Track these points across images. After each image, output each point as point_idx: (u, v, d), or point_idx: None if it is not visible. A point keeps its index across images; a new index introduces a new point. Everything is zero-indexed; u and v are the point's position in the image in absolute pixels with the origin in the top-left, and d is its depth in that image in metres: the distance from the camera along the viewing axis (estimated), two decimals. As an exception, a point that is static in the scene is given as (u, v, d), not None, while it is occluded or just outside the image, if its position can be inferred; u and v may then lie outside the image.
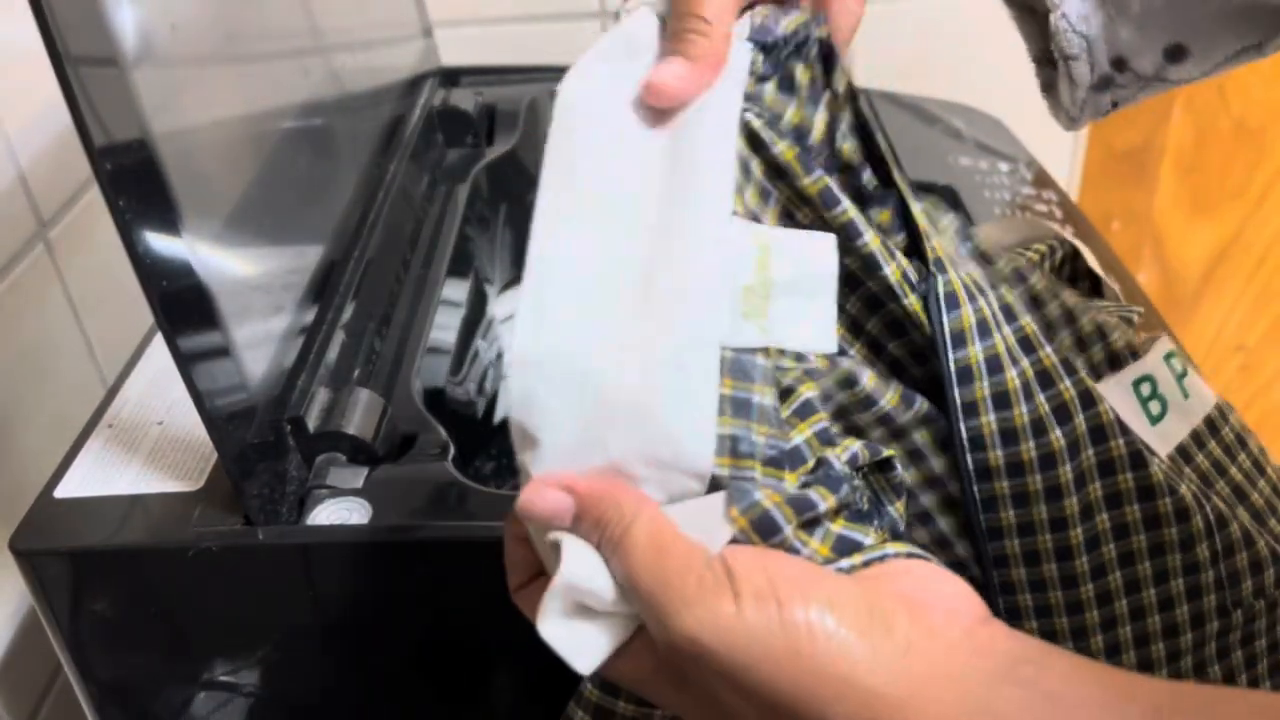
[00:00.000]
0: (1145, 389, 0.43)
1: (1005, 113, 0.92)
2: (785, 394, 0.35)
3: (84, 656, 0.52)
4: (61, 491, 0.51)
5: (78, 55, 0.41)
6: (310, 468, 0.52)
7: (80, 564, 0.50)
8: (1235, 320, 1.35)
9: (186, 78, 0.52)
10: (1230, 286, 1.33)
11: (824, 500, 0.33)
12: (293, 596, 0.51)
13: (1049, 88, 0.44)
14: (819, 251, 0.37)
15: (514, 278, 0.86)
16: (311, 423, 0.51)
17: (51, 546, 0.50)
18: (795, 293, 0.36)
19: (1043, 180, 0.82)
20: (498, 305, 0.82)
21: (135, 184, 0.43)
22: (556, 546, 0.33)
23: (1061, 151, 1.22)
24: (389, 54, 0.83)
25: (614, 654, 0.33)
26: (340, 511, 0.49)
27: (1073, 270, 0.49)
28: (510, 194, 0.85)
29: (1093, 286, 0.49)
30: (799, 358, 0.36)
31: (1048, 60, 0.43)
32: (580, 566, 0.32)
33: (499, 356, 0.81)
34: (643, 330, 0.33)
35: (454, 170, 0.81)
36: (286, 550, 0.49)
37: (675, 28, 0.37)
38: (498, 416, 0.80)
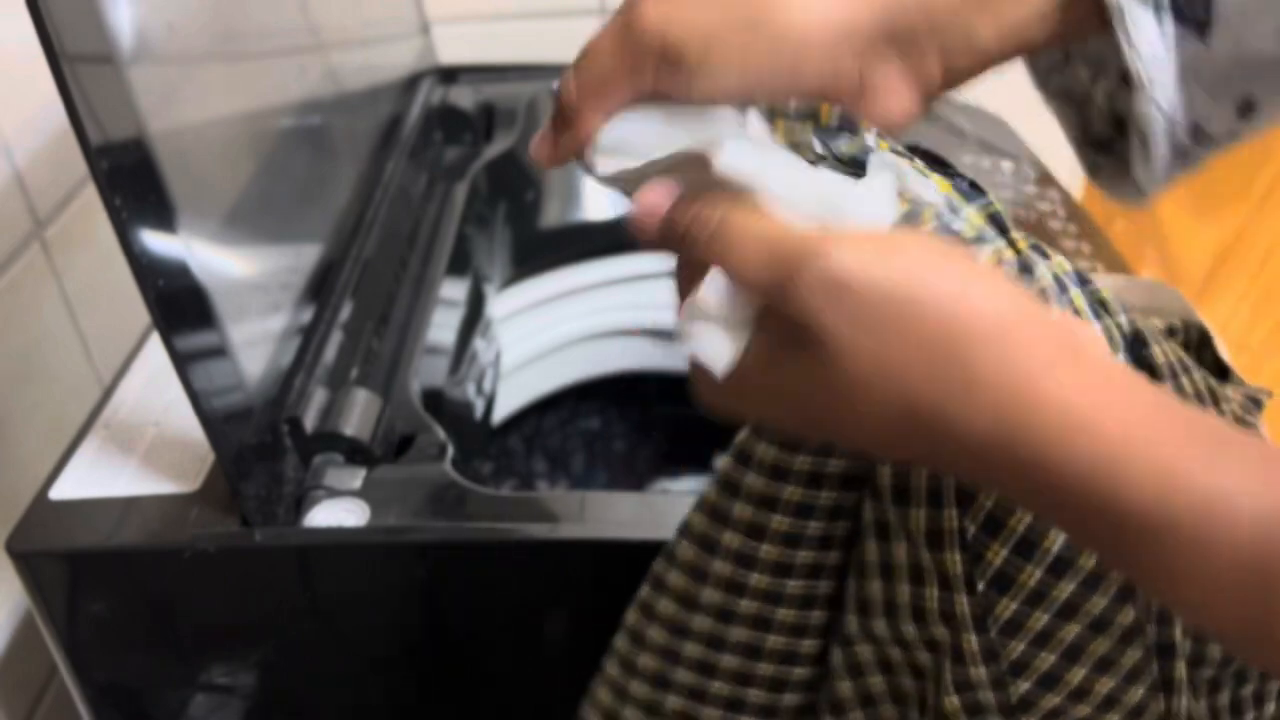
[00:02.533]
0: None
1: (1008, 111, 0.91)
2: None
3: (80, 658, 0.52)
4: (57, 493, 0.51)
5: (74, 54, 0.40)
6: (307, 468, 0.51)
7: (76, 565, 0.50)
8: (1238, 321, 1.35)
9: (183, 76, 0.51)
10: (1233, 287, 1.33)
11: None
12: (290, 598, 0.51)
13: (1095, 170, 0.44)
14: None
15: (513, 277, 0.85)
16: (309, 423, 0.51)
17: (48, 548, 0.49)
18: None
19: (1046, 179, 0.82)
20: (496, 304, 0.82)
21: (132, 183, 0.43)
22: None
23: (1065, 150, 1.21)
24: (387, 52, 0.83)
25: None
26: (338, 512, 0.49)
27: (1198, 357, 0.48)
28: (509, 193, 0.84)
29: (1219, 374, 0.49)
30: None
31: (1089, 143, 0.43)
32: (711, 286, 0.33)
33: (498, 356, 0.80)
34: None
35: (452, 169, 0.81)
36: (284, 551, 0.49)
37: (562, 84, 0.38)
38: (496, 418, 0.80)
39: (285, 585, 0.50)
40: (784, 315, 0.31)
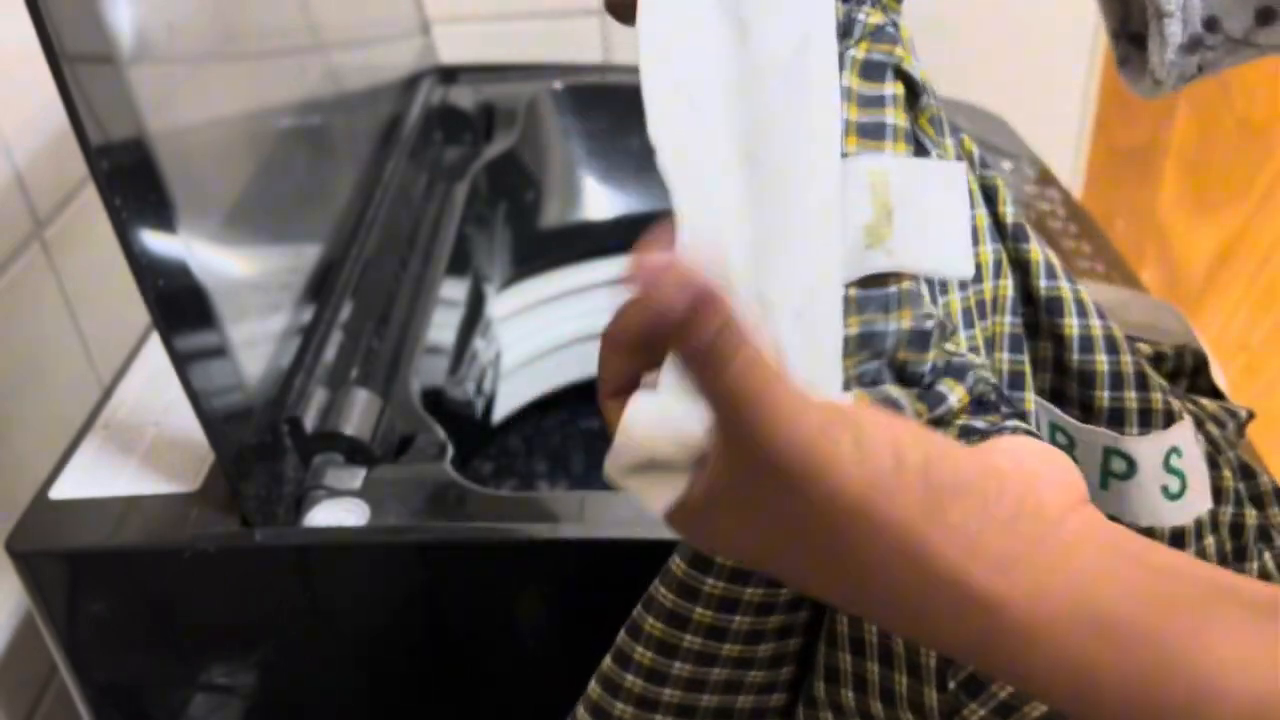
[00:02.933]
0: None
1: (1008, 111, 0.91)
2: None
3: (80, 658, 0.52)
4: (57, 493, 0.51)
5: (74, 54, 0.40)
6: (308, 468, 0.51)
7: (76, 565, 0.50)
8: (1239, 320, 1.35)
9: (183, 76, 0.51)
10: (1234, 286, 1.33)
11: (952, 392, 0.33)
12: (290, 598, 0.51)
13: (1125, 61, 0.44)
14: (946, 174, 0.36)
15: (513, 276, 0.85)
16: (309, 423, 0.51)
17: (47, 548, 0.49)
18: (920, 211, 0.35)
19: (1046, 178, 0.82)
20: (496, 304, 0.82)
21: (132, 183, 0.43)
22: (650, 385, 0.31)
23: (1065, 149, 1.21)
24: (387, 52, 0.83)
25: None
26: (338, 512, 0.49)
27: (1192, 382, 0.48)
28: (509, 193, 0.84)
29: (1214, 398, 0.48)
30: (939, 290, 0.36)
31: (1125, 34, 0.43)
32: (647, 415, 0.31)
33: (498, 356, 0.81)
34: (764, 278, 0.33)
35: (452, 169, 0.81)
36: (284, 551, 0.49)
37: None
38: (496, 417, 0.80)
39: (285, 585, 0.50)
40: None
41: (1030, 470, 0.30)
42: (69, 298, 0.72)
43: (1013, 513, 0.28)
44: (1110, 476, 0.39)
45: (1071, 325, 0.40)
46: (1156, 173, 1.21)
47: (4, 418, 0.64)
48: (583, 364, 0.90)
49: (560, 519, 0.50)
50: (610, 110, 0.87)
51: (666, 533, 0.42)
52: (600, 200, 0.88)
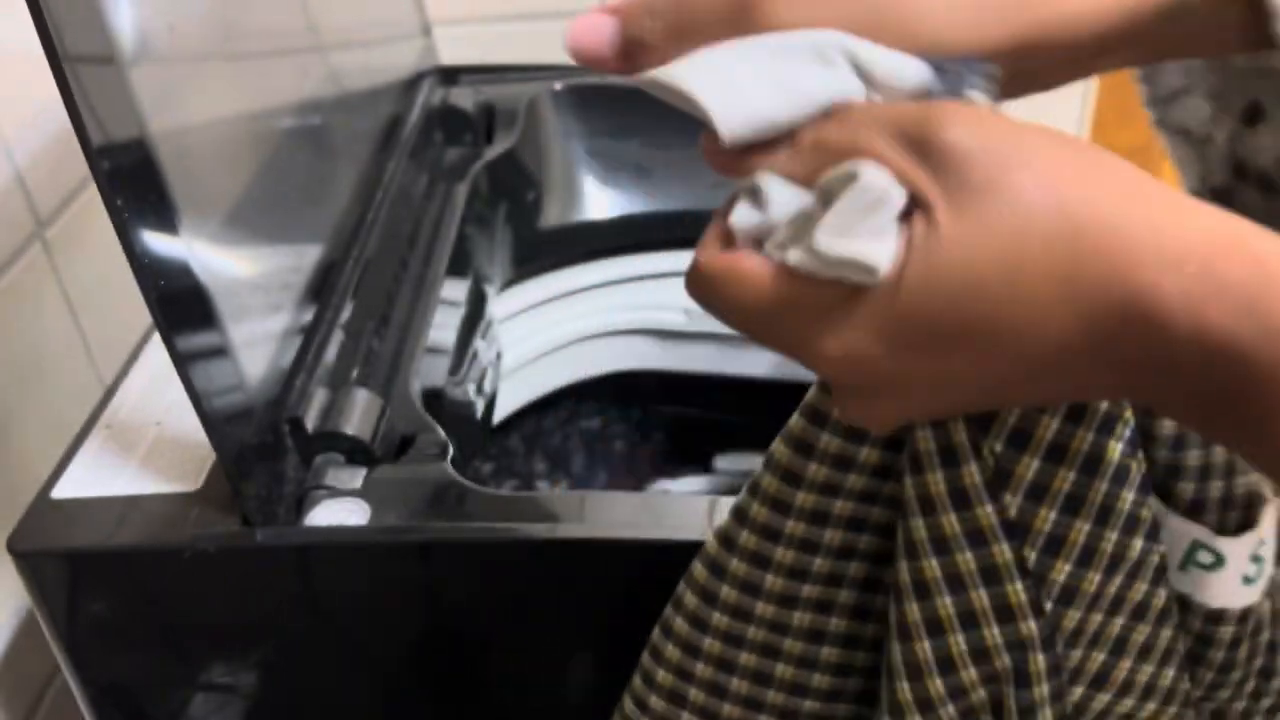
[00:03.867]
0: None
1: (1007, 110, 0.91)
2: None
3: (82, 657, 0.52)
4: (59, 492, 0.51)
5: (75, 54, 0.40)
6: (308, 468, 0.51)
7: (78, 565, 0.50)
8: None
9: (184, 76, 0.52)
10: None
11: None
12: (291, 598, 0.51)
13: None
14: None
15: (513, 277, 0.86)
16: (310, 423, 0.51)
17: (49, 547, 0.49)
18: None
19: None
20: (497, 305, 0.82)
21: (133, 183, 0.43)
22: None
23: (1063, 151, 1.21)
24: (387, 53, 0.83)
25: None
26: (338, 512, 0.49)
27: None
28: (509, 193, 0.85)
29: None
30: None
31: (1208, 192, 0.41)
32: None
33: (498, 357, 0.81)
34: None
35: (453, 169, 0.81)
36: (284, 551, 0.49)
37: None
38: (497, 418, 0.80)
39: (286, 585, 0.51)
40: (933, 170, 0.27)
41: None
42: (70, 298, 0.72)
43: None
44: (1193, 565, 0.39)
45: (1164, 423, 0.38)
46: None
47: (5, 417, 0.64)
48: (583, 364, 0.90)
49: (560, 519, 0.50)
50: (610, 111, 0.87)
51: (667, 532, 0.42)
52: (600, 201, 0.88)
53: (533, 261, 0.86)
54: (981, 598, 0.36)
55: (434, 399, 0.61)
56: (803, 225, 0.29)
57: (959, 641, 0.37)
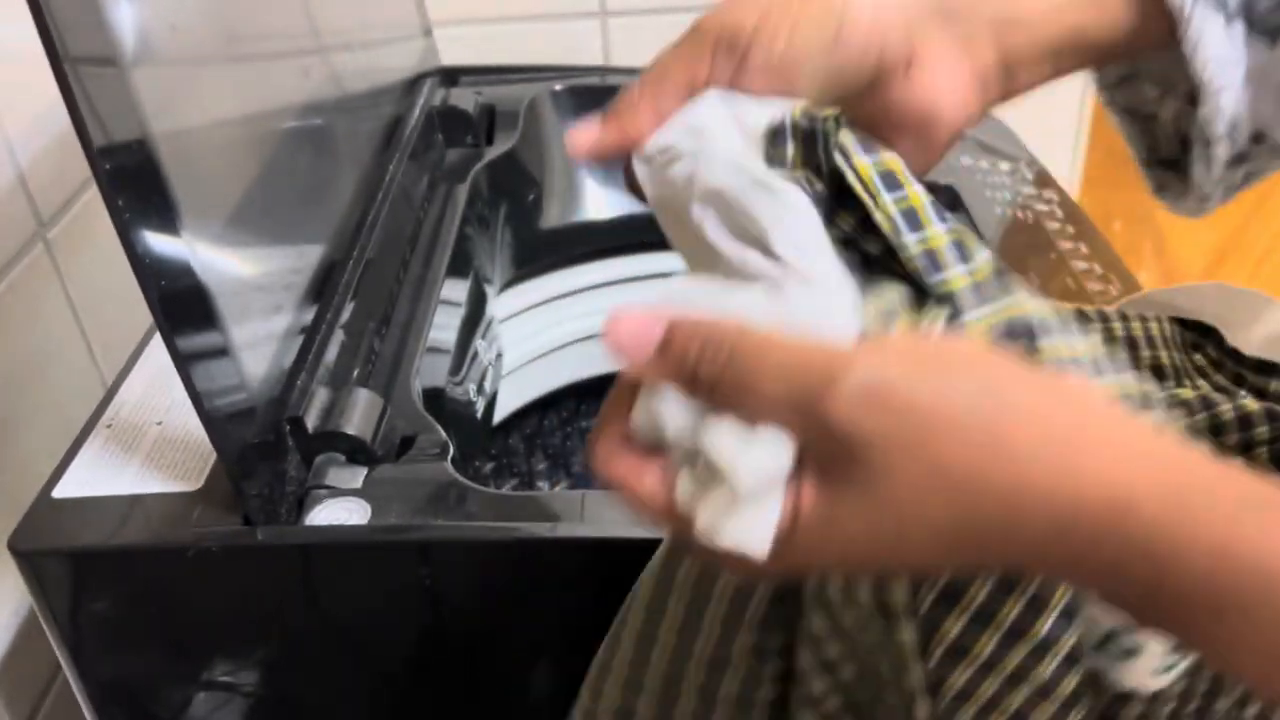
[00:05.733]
0: None
1: (1006, 112, 0.91)
2: None
3: (83, 656, 0.52)
4: (61, 492, 0.51)
5: (77, 55, 0.41)
6: (309, 468, 0.51)
7: (79, 564, 0.50)
8: (1237, 320, 1.35)
9: (186, 78, 0.52)
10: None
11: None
12: (292, 596, 0.51)
13: (1162, 188, 0.44)
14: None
15: (514, 277, 0.86)
16: (311, 423, 0.51)
17: (51, 547, 0.50)
18: None
19: (1044, 180, 0.82)
20: (497, 305, 0.82)
21: (134, 184, 0.43)
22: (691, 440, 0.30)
23: (1063, 151, 1.21)
24: (389, 54, 0.83)
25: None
26: (339, 512, 0.49)
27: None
28: (510, 194, 0.85)
29: None
30: None
31: (1157, 163, 0.43)
32: (732, 443, 0.29)
33: (499, 356, 0.81)
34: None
35: (454, 170, 0.81)
36: (285, 550, 0.49)
37: (622, 92, 0.37)
38: (497, 417, 0.80)
39: (287, 584, 0.51)
40: (821, 446, 0.28)
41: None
42: (72, 298, 0.72)
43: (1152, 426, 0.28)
44: (1110, 650, 0.39)
45: None
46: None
47: (7, 417, 0.65)
48: (583, 364, 0.90)
49: (560, 518, 0.50)
50: (610, 111, 0.87)
51: (665, 533, 0.42)
52: (600, 201, 0.88)
53: (533, 261, 0.87)
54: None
55: (434, 399, 0.62)
56: (693, 458, 0.30)
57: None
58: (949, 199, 0.80)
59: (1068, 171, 1.22)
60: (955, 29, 0.36)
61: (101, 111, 0.42)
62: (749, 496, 0.29)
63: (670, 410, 0.30)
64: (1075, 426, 0.28)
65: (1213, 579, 0.26)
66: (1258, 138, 0.39)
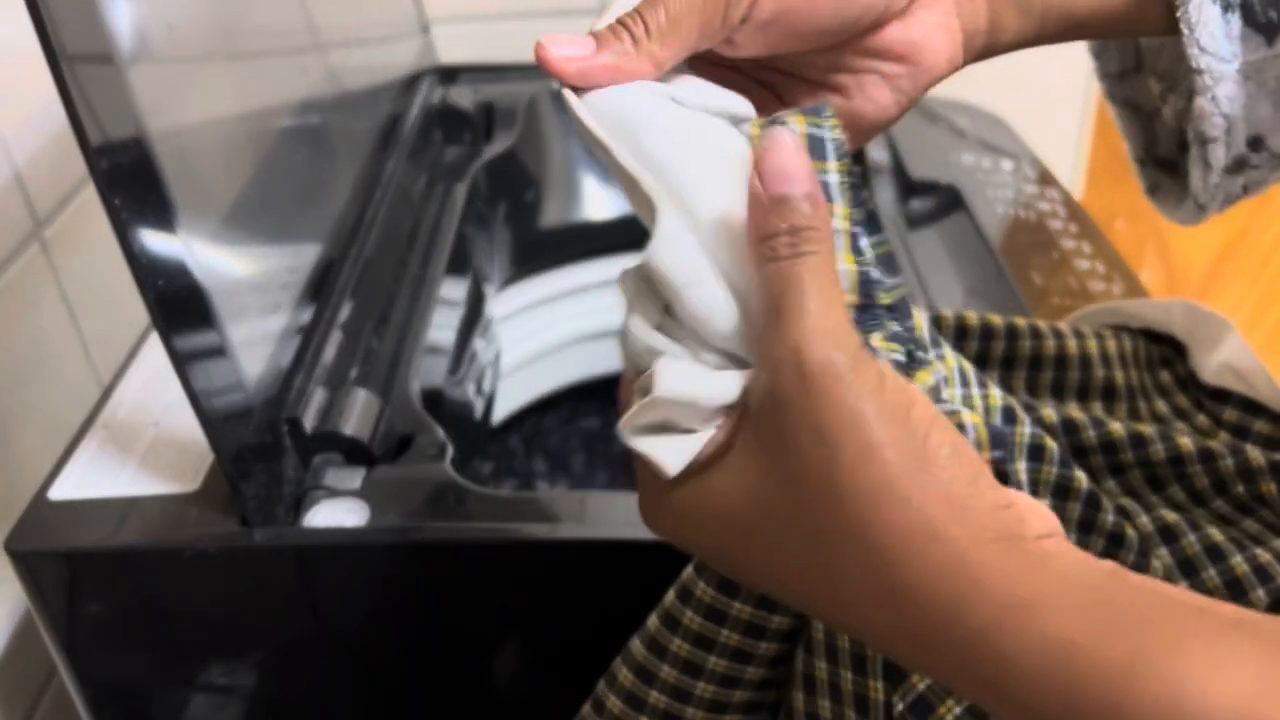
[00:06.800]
0: None
1: (1008, 111, 0.91)
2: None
3: (80, 658, 0.52)
4: (57, 493, 0.51)
5: (73, 53, 0.40)
6: (307, 468, 0.51)
7: (76, 565, 0.50)
8: (1239, 320, 1.34)
9: (183, 76, 0.51)
10: (1234, 286, 1.33)
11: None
12: (289, 598, 0.51)
13: (1155, 189, 0.43)
14: None
15: (513, 276, 0.85)
16: (308, 423, 0.51)
17: (47, 548, 0.49)
18: None
19: (1046, 179, 0.82)
20: (496, 304, 0.82)
21: (131, 183, 0.43)
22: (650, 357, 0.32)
23: (1065, 150, 1.21)
24: (386, 52, 0.83)
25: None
26: (337, 513, 0.49)
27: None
28: (509, 192, 0.84)
29: None
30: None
31: (1152, 161, 0.42)
32: (676, 380, 0.31)
33: (497, 356, 0.81)
34: None
35: (452, 168, 0.81)
36: (283, 552, 0.49)
37: (624, 19, 0.36)
38: (496, 417, 0.80)
39: (285, 585, 0.50)
40: (760, 397, 0.29)
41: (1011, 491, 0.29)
42: (68, 297, 0.72)
43: (998, 503, 0.28)
44: None
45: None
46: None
47: (3, 417, 0.64)
48: (583, 364, 0.90)
49: (560, 519, 0.50)
50: (610, 110, 0.87)
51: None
52: (600, 200, 0.88)
53: (532, 261, 0.86)
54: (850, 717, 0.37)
55: (433, 399, 0.61)
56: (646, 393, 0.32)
57: None
58: (951, 198, 0.80)
59: (1070, 170, 1.22)
60: None
61: (98, 110, 0.41)
62: (679, 417, 0.30)
63: (638, 329, 0.32)
64: (977, 513, 0.27)
65: (1123, 698, 0.25)
66: (1255, 144, 0.39)
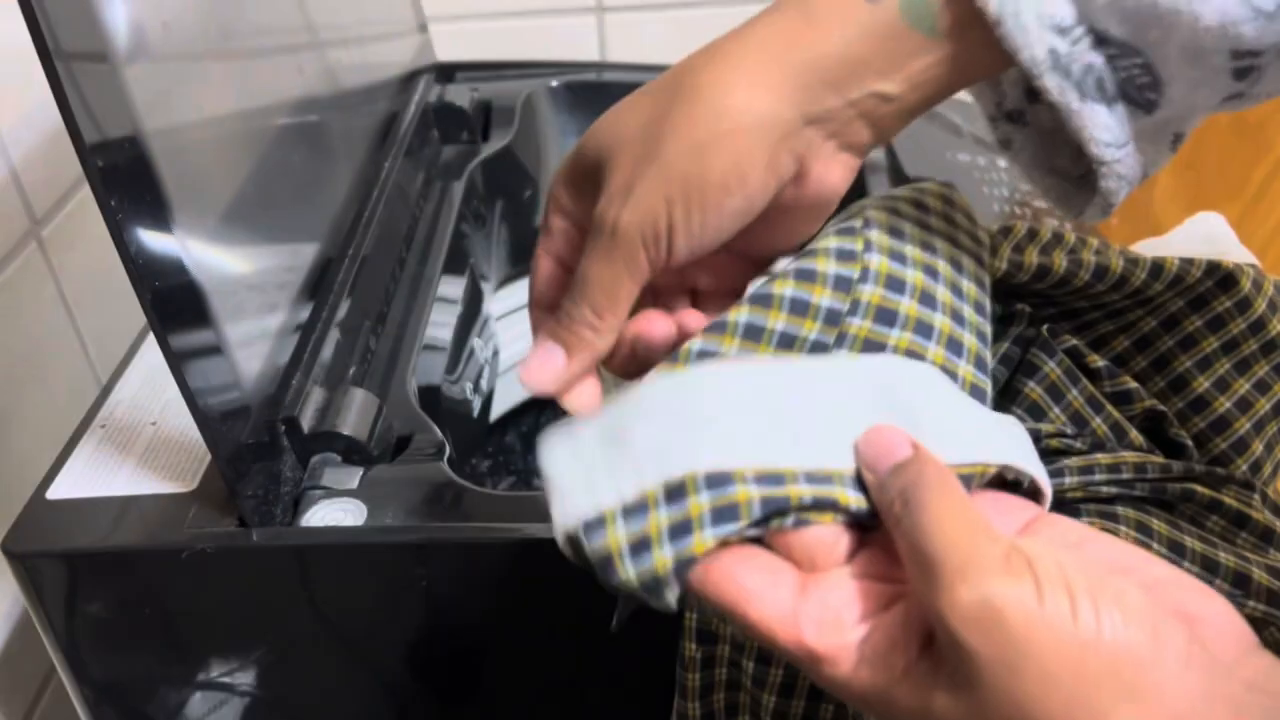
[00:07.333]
0: None
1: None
2: None
3: (78, 659, 0.52)
4: (54, 493, 0.51)
5: (69, 52, 0.40)
6: (305, 468, 0.51)
7: (74, 566, 0.50)
8: (1234, 316, 1.35)
9: (179, 74, 0.51)
10: (1229, 282, 1.33)
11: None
12: (287, 598, 0.51)
13: (1007, 143, 0.44)
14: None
15: (510, 275, 0.85)
16: (306, 423, 0.51)
17: (45, 548, 0.49)
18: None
19: (1042, 176, 0.82)
20: (493, 303, 0.82)
21: (127, 182, 0.43)
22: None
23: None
24: (384, 49, 0.83)
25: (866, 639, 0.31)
26: (335, 512, 0.49)
27: None
28: (506, 190, 0.84)
29: None
30: None
31: (1004, 116, 0.43)
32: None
33: (495, 354, 0.80)
34: None
35: (449, 167, 0.81)
36: (281, 552, 0.49)
37: (569, 313, 0.39)
38: (493, 415, 0.80)
39: (283, 585, 0.50)
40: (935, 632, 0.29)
41: (1194, 614, 0.29)
42: (66, 296, 0.71)
43: (1182, 664, 0.28)
44: None
45: None
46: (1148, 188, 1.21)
47: (1, 418, 0.64)
48: (580, 362, 0.90)
49: (558, 518, 0.50)
50: (606, 108, 0.87)
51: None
52: (597, 198, 0.88)
53: (530, 259, 0.86)
54: None
55: (430, 397, 0.61)
56: None
57: None
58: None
59: (1065, 167, 1.22)
60: (828, 128, 0.37)
61: (94, 108, 0.41)
62: None
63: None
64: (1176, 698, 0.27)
65: None
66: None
